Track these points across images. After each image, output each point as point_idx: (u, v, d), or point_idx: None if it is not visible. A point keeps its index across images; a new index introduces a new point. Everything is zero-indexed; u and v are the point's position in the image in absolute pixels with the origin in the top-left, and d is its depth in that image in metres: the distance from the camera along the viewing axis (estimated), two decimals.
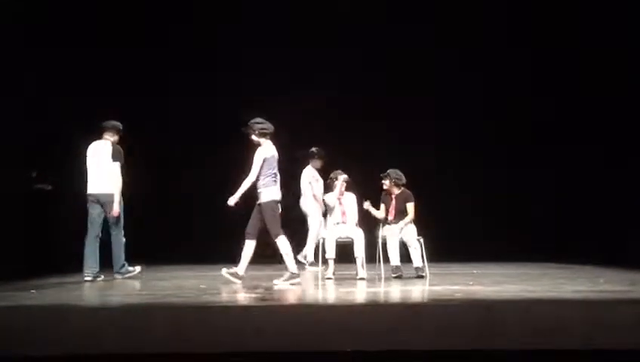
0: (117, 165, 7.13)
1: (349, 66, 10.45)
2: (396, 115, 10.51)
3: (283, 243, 6.53)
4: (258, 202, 6.57)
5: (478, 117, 10.71)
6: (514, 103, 10.57)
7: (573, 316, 4.50)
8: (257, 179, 6.51)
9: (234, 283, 6.50)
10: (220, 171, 8.90)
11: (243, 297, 5.52)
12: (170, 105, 10.36)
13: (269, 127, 6.66)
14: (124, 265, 7.31)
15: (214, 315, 4.62)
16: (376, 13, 10.44)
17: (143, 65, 9.96)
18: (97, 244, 7.16)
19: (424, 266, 7.12)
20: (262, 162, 6.50)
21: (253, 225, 6.61)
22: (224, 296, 5.63)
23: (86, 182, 7.20)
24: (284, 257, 6.54)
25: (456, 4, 10.45)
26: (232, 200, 6.51)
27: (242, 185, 6.52)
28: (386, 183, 7.43)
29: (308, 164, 8.89)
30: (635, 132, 9.03)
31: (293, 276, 6.53)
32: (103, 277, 7.15)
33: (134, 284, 6.83)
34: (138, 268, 7.44)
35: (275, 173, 6.59)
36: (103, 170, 7.14)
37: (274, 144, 6.68)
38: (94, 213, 7.17)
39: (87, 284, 6.73)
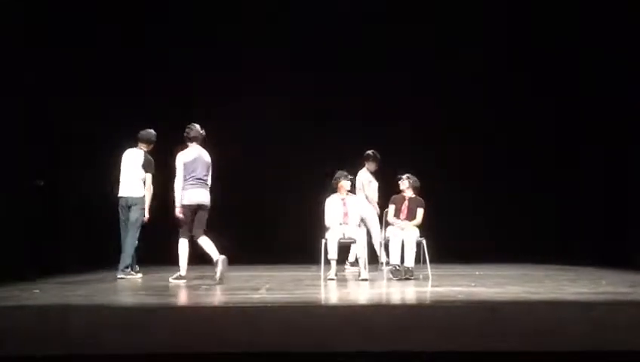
0: (149, 176, 7.52)
1: (349, 67, 10.44)
2: (396, 115, 10.50)
3: (181, 245, 6.77)
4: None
5: (478, 116, 10.70)
6: (514, 103, 10.56)
7: (574, 317, 4.49)
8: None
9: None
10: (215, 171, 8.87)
11: (244, 297, 5.49)
12: (172, 105, 10.32)
13: (193, 132, 6.84)
14: (127, 267, 7.40)
15: (214, 315, 4.61)
16: (376, 13, 10.43)
17: (142, 65, 9.95)
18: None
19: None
20: (182, 165, 6.69)
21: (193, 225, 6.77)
22: (224, 296, 5.61)
23: (118, 185, 7.53)
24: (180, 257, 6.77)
25: (456, 4, 10.46)
26: (177, 212, 6.67)
27: (175, 190, 6.70)
28: (405, 184, 7.47)
29: (364, 165, 8.77)
30: (635, 132, 9.02)
31: (179, 276, 6.77)
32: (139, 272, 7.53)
33: (135, 284, 6.83)
34: (140, 275, 7.52)
35: (195, 178, 6.73)
36: (133, 176, 7.51)
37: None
38: (125, 217, 7.49)
39: (87, 284, 6.72)
